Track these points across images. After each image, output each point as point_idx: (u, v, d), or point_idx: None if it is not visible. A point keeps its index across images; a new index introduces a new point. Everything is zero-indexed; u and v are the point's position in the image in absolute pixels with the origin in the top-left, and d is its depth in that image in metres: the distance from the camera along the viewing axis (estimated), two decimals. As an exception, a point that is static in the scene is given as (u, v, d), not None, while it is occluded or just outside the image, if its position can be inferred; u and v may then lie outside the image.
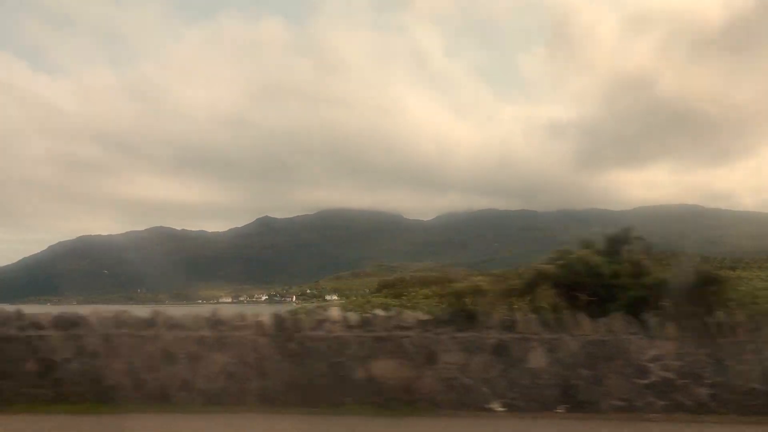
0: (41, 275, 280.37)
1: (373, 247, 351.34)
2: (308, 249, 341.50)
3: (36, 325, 9.98)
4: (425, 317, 9.36)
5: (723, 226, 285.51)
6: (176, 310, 10.91)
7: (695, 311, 8.84)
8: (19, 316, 10.15)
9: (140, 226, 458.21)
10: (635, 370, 8.90)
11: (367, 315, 9.60)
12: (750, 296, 10.37)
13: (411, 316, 9.38)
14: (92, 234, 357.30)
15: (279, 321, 9.63)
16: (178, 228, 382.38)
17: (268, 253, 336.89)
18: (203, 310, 10.80)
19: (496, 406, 8.86)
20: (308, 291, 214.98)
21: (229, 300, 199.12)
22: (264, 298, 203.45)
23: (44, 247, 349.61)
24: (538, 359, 8.95)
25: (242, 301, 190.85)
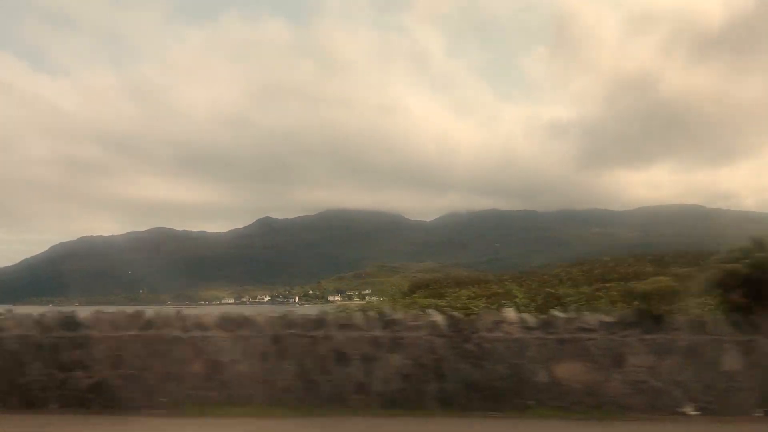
0: (42, 276, 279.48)
1: (374, 248, 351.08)
2: (309, 250, 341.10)
3: (200, 325, 9.80)
4: (608, 319, 9.20)
5: (725, 227, 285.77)
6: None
7: None
8: (182, 316, 9.98)
9: (141, 227, 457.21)
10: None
11: (545, 316, 9.44)
12: None
13: (593, 318, 9.22)
14: (93, 235, 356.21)
15: (454, 322, 9.47)
16: (179, 229, 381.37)
17: (269, 253, 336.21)
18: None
19: (690, 410, 8.71)
20: (310, 292, 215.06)
21: (232, 301, 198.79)
22: (267, 299, 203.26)
23: (45, 248, 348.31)
24: (732, 362, 8.79)
25: (244, 302, 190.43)
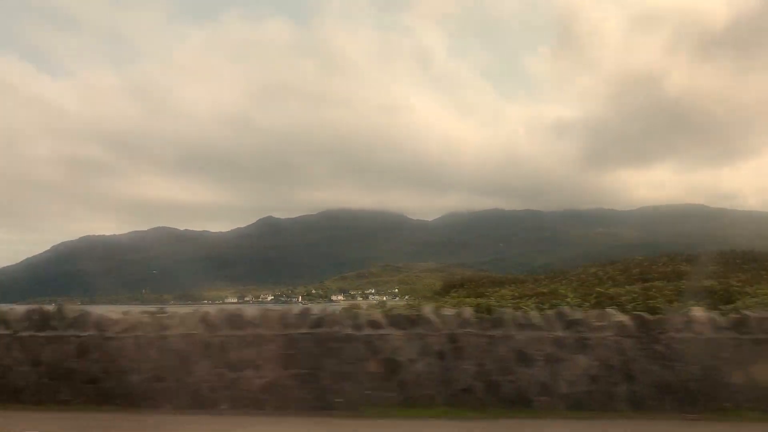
0: (44, 275, 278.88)
1: (377, 248, 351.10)
2: (311, 249, 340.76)
3: (373, 324, 9.55)
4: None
5: (728, 226, 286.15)
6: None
7: None
8: (354, 315, 9.74)
9: (143, 226, 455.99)
10: None
11: (737, 316, 9.20)
12: None
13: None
14: (95, 234, 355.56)
15: (642, 322, 9.22)
16: (182, 228, 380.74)
17: (271, 253, 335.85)
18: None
19: None
20: (313, 291, 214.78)
21: (235, 300, 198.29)
22: (270, 298, 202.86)
23: (47, 248, 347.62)
24: None
25: (248, 301, 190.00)
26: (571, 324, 9.29)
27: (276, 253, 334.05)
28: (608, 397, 9.02)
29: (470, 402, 9.15)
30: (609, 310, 9.76)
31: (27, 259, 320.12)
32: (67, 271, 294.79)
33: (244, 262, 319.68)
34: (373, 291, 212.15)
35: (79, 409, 9.63)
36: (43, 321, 10.08)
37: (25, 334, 9.97)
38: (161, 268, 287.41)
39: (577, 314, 9.44)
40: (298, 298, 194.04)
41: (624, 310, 11.38)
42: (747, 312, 9.31)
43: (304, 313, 9.75)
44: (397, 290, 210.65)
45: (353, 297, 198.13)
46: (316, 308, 9.96)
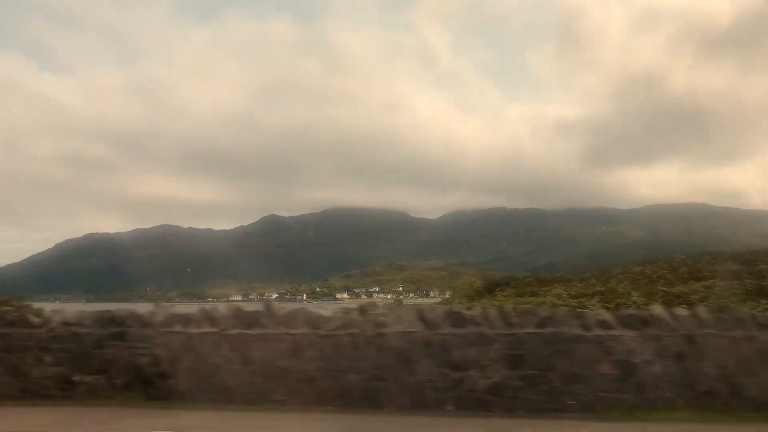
0: (49, 273, 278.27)
1: (380, 246, 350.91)
2: (314, 247, 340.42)
3: (603, 324, 9.24)
4: None
5: (732, 225, 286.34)
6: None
7: None
8: (580, 314, 9.43)
9: (147, 224, 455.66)
10: None
11: None
12: None
13: None
14: (99, 232, 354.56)
15: None
16: (185, 226, 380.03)
17: (274, 251, 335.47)
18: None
19: None
20: (318, 289, 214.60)
21: (239, 298, 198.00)
22: (274, 296, 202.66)
23: (51, 246, 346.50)
24: None
25: (252, 299, 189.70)
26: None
27: (279, 251, 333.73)
28: None
29: (714, 405, 8.84)
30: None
31: (31, 257, 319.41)
32: (71, 268, 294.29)
33: (247, 260, 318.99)
34: (377, 289, 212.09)
35: (294, 410, 9.32)
36: (250, 318, 9.75)
37: (233, 331, 9.66)
38: (164, 265, 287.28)
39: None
40: (302, 296, 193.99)
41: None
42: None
43: (528, 313, 9.43)
44: (401, 288, 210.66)
45: (357, 295, 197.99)
46: (542, 309, 9.59)
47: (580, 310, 9.88)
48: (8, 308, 10.31)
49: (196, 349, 9.68)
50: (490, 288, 49.63)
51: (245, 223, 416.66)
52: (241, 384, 9.51)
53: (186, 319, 9.91)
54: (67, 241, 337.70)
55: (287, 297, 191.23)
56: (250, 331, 9.63)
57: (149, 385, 9.66)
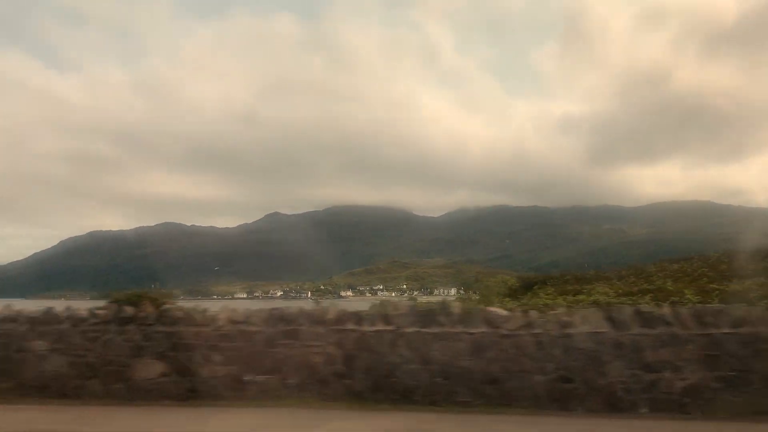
0: (53, 271, 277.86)
1: (383, 244, 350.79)
2: (317, 245, 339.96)
3: None
4: None
5: (736, 223, 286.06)
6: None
7: None
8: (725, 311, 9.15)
9: (150, 222, 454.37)
10: None
11: None
12: None
13: None
14: (103, 229, 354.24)
15: None
16: (188, 223, 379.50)
17: (278, 248, 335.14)
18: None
19: None
20: (322, 287, 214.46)
21: (244, 296, 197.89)
22: (279, 293, 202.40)
23: (55, 243, 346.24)
24: None
25: (257, 296, 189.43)
26: None
27: (282, 248, 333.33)
28: None
29: None
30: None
31: (35, 254, 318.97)
32: (75, 266, 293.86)
33: (250, 257, 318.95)
34: (381, 287, 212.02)
35: (480, 411, 9.05)
36: (427, 317, 9.47)
37: (409, 330, 9.38)
38: (168, 263, 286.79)
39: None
40: (307, 293, 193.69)
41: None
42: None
43: (722, 312, 9.17)
44: (405, 286, 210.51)
45: (362, 293, 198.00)
46: (735, 309, 9.31)
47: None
48: (169, 306, 10.01)
49: (371, 347, 9.42)
50: (527, 287, 49.28)
51: (249, 221, 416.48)
52: (421, 384, 9.24)
53: (358, 317, 9.65)
54: (71, 238, 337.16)
55: (292, 294, 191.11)
56: (428, 330, 9.37)
57: (324, 385, 9.39)
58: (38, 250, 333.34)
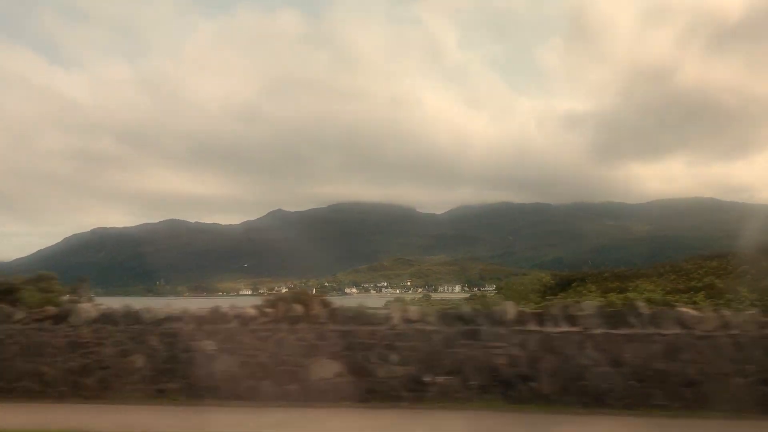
0: (57, 267, 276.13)
1: (386, 241, 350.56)
2: (321, 242, 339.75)
3: None
4: None
5: (740, 220, 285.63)
6: None
7: None
8: None
9: (154, 219, 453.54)
10: None
11: None
12: None
13: None
14: (107, 226, 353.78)
15: None
16: (192, 220, 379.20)
17: (282, 245, 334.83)
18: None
19: None
20: (326, 284, 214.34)
21: (249, 292, 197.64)
22: (284, 290, 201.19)
23: (59, 240, 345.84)
24: None
25: (262, 293, 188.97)
26: None
27: (286, 245, 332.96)
28: None
29: None
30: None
31: (39, 251, 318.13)
32: (79, 263, 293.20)
33: (254, 254, 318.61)
34: (385, 284, 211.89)
35: (679, 415, 8.75)
36: (616, 318, 9.17)
37: (597, 331, 9.07)
38: (172, 260, 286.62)
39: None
40: (312, 290, 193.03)
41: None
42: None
43: None
44: (409, 283, 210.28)
45: (366, 290, 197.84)
46: None
47: None
48: (307, 301, 9.68)
49: (557, 349, 9.12)
50: (563, 284, 48.94)
51: (252, 218, 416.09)
52: (614, 387, 8.94)
53: (540, 318, 9.35)
54: (75, 235, 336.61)
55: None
56: (617, 331, 9.07)
57: (509, 388, 9.09)
58: (42, 247, 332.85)
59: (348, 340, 9.37)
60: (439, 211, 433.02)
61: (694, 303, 28.62)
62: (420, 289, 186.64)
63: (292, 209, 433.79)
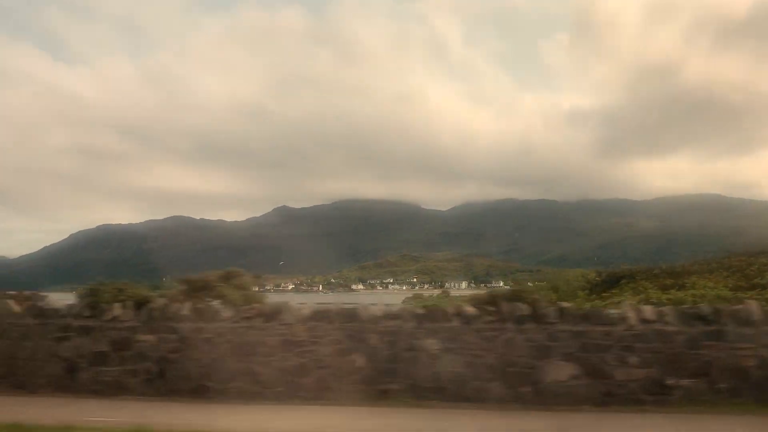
0: (63, 264, 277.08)
1: (391, 237, 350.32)
2: (327, 239, 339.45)
3: None
4: None
5: (745, 216, 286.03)
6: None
7: None
8: None
9: (159, 215, 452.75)
10: None
11: None
12: None
13: None
14: (112, 223, 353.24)
15: None
16: (197, 217, 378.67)
17: (287, 242, 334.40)
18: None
19: None
20: (332, 280, 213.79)
21: (256, 289, 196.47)
22: (290, 287, 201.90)
23: (65, 236, 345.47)
24: None
25: (269, 290, 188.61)
26: None
27: (291, 242, 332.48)
28: None
29: None
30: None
31: (45, 248, 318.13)
32: (85, 259, 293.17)
33: (259, 250, 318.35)
34: (391, 280, 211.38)
35: None
36: None
37: None
38: (178, 256, 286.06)
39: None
40: (318, 287, 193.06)
41: None
42: None
43: None
44: (415, 279, 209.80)
45: (372, 286, 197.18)
46: None
47: None
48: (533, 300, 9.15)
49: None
50: (611, 281, 48.17)
51: (257, 214, 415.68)
52: None
53: (786, 317, 8.86)
54: (81, 232, 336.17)
55: (303, 288, 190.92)
56: None
57: (762, 391, 8.60)
58: (48, 244, 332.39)
59: (581, 340, 8.90)
60: (443, 208, 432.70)
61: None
62: (426, 286, 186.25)
63: (297, 206, 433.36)
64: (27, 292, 9.88)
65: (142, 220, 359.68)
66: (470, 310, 9.12)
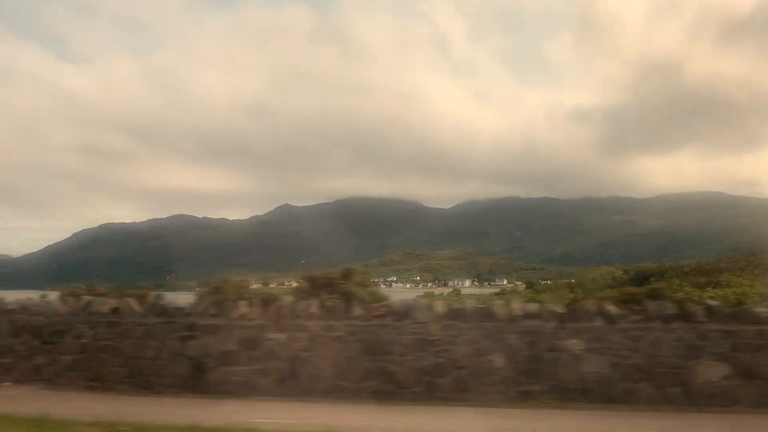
0: (66, 262, 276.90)
1: (393, 236, 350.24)
2: (330, 237, 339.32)
3: None
4: None
5: (748, 214, 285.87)
6: None
7: None
8: None
9: (162, 214, 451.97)
10: None
11: None
12: None
13: None
14: (115, 222, 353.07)
15: None
16: (200, 215, 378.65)
17: (290, 240, 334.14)
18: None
19: None
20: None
21: (260, 287, 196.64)
22: (294, 285, 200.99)
23: (68, 235, 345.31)
24: None
25: (272, 287, 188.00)
26: None
27: (294, 240, 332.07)
28: None
29: None
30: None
31: (48, 246, 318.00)
32: (88, 257, 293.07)
33: (262, 249, 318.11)
34: (394, 279, 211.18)
35: None
36: None
37: None
38: (180, 255, 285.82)
39: None
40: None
41: None
42: None
43: None
44: (418, 278, 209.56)
45: (376, 285, 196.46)
46: None
47: None
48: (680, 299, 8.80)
49: None
50: (640, 279, 47.68)
51: (260, 213, 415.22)
52: None
53: None
54: (84, 230, 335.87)
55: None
56: None
57: None
58: (52, 242, 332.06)
59: (732, 340, 8.54)
60: (446, 206, 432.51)
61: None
62: (430, 284, 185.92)
63: (300, 204, 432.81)
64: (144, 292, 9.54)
65: (145, 219, 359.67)
66: (613, 309, 8.75)
